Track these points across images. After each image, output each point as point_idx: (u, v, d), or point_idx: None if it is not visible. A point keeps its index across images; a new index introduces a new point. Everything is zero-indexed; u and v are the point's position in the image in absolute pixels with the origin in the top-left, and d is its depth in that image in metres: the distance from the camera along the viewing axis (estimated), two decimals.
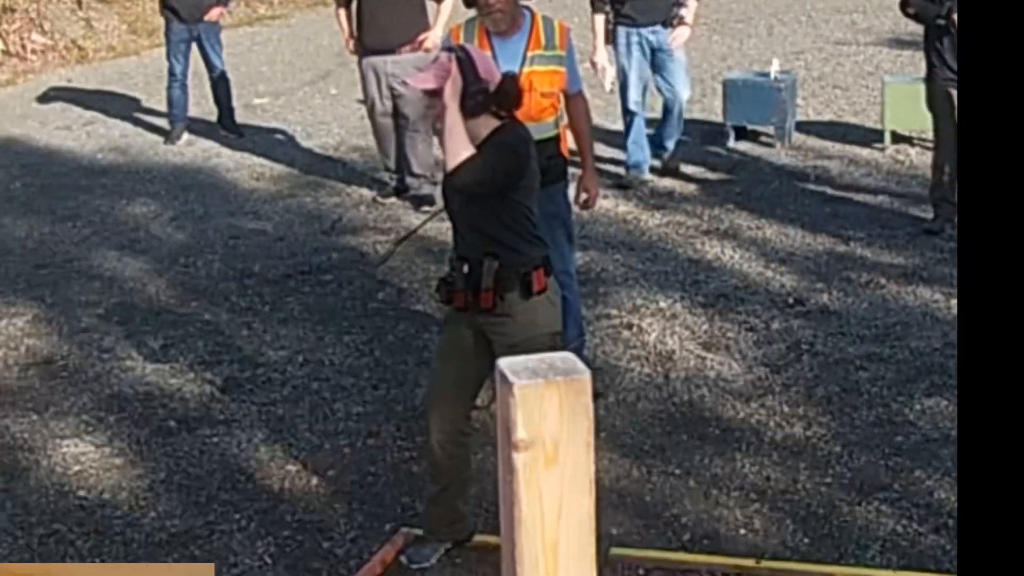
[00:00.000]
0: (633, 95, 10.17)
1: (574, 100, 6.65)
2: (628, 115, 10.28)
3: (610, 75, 10.17)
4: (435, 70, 5.02)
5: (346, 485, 6.10)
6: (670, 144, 10.47)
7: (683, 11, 10.01)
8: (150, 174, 11.20)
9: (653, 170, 10.38)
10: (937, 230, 8.82)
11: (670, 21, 9.97)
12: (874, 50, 14.56)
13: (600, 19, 10.14)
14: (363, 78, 9.99)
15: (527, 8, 6.47)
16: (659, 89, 10.35)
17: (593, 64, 10.11)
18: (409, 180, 9.96)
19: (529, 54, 6.37)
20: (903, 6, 8.91)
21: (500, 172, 4.97)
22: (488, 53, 6.12)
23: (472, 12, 6.53)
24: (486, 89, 4.98)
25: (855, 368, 7.01)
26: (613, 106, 12.71)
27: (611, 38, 10.14)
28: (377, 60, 9.76)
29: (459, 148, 4.93)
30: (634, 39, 10.03)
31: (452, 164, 4.94)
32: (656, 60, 10.09)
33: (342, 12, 10.15)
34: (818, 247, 8.77)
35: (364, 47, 9.85)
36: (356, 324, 7.85)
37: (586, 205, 6.88)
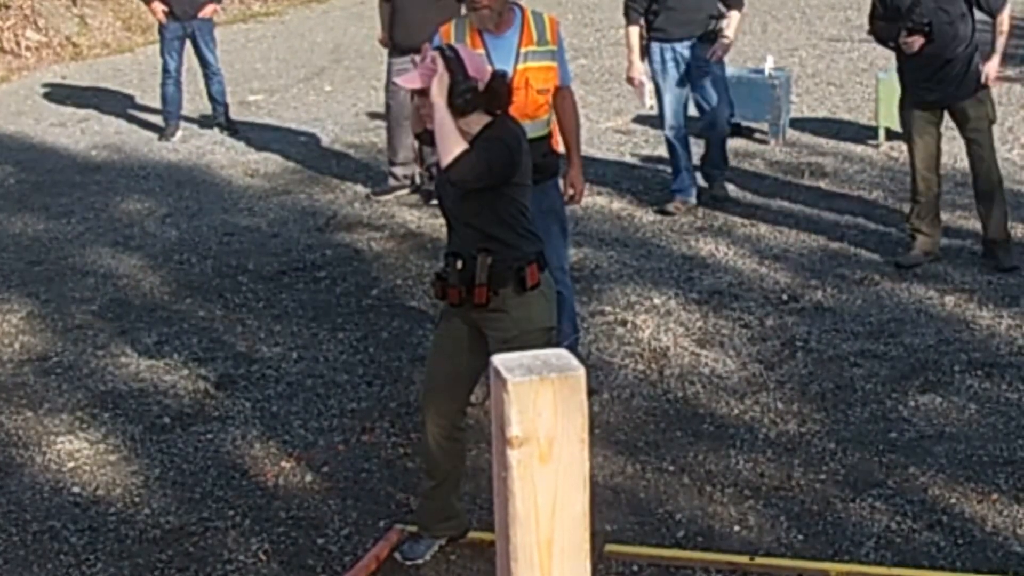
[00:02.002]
0: (669, 118, 9.45)
1: (561, 94, 6.58)
2: (668, 140, 9.59)
3: (649, 90, 9.54)
4: (422, 69, 5.03)
5: (340, 481, 6.10)
6: (714, 171, 9.73)
7: (724, 23, 9.29)
8: (144, 171, 11.20)
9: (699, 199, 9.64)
10: (907, 265, 8.24)
11: (708, 35, 9.23)
12: (868, 47, 14.54)
13: (635, 31, 9.34)
14: (389, 75, 9.94)
15: (516, 5, 6.43)
16: (699, 108, 9.53)
17: (631, 80, 9.51)
18: (419, 177, 9.97)
19: (522, 51, 6.34)
20: (870, 25, 8.45)
21: (495, 165, 4.97)
22: (481, 51, 6.11)
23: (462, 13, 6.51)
24: (475, 87, 4.97)
25: (849, 365, 7.02)
26: (608, 103, 12.74)
27: (645, 53, 9.40)
28: (403, 58, 9.72)
29: (452, 144, 4.93)
30: (668, 55, 9.28)
31: (446, 160, 4.94)
32: (691, 76, 9.35)
33: (387, 7, 10.04)
34: (812, 244, 8.78)
35: (394, 45, 9.81)
36: (350, 320, 7.85)
37: (572, 200, 6.85)
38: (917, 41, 7.92)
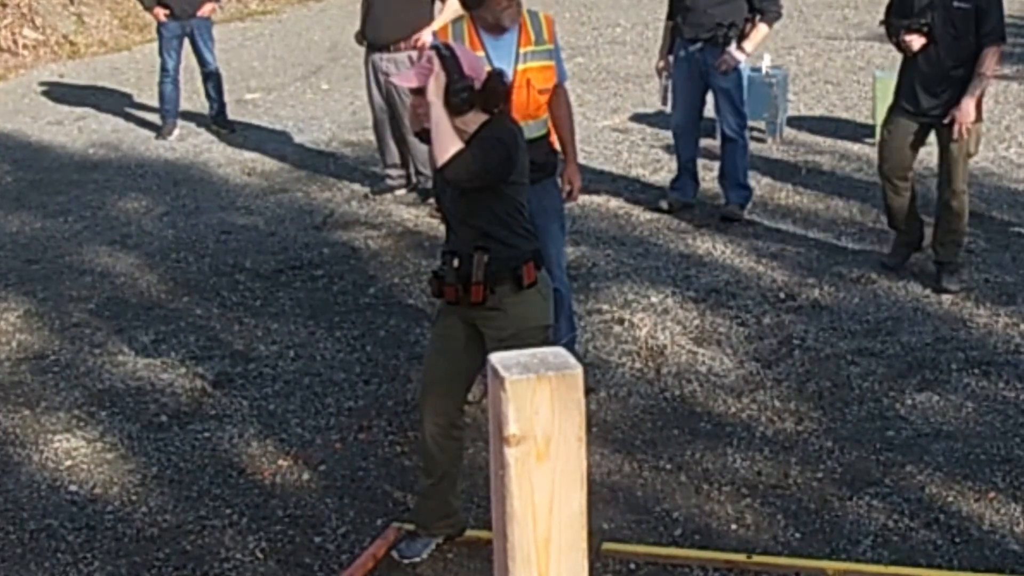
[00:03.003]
0: (675, 115, 9.38)
1: (556, 91, 6.56)
2: (674, 136, 9.55)
3: (661, 87, 9.41)
4: (418, 68, 5.04)
5: (337, 480, 6.10)
6: (728, 188, 9.33)
7: (747, 29, 8.95)
8: (142, 169, 11.19)
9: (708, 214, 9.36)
10: (892, 265, 8.19)
11: (717, 40, 8.93)
12: (865, 45, 14.58)
13: (666, 25, 9.30)
14: (365, 72, 9.98)
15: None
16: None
17: (660, 74, 9.43)
18: (414, 177, 9.97)
19: (521, 51, 6.32)
20: (885, 17, 8.14)
21: (491, 165, 4.98)
22: (481, 53, 6.11)
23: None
24: (471, 86, 4.98)
25: (846, 363, 7.03)
26: (605, 101, 12.74)
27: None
28: (375, 56, 9.76)
29: (447, 143, 4.93)
30: (681, 52, 9.09)
31: (442, 159, 4.94)
32: (708, 83, 9.16)
33: (365, 4, 10.04)
34: (809, 242, 8.78)
35: (366, 42, 9.83)
36: (347, 319, 7.85)
37: (570, 196, 6.82)
38: (916, 40, 7.70)
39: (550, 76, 6.42)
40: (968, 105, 7.65)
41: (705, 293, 7.99)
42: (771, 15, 9.09)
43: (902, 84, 7.97)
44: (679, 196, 9.50)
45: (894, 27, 7.90)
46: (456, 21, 6.43)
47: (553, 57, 6.45)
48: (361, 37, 9.94)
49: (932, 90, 7.75)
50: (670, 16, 9.28)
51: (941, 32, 7.66)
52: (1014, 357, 7.04)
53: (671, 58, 9.28)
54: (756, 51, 9.28)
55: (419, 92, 5.03)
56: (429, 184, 9.71)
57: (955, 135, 7.69)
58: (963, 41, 7.65)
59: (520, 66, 6.28)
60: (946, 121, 7.70)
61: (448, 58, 4.96)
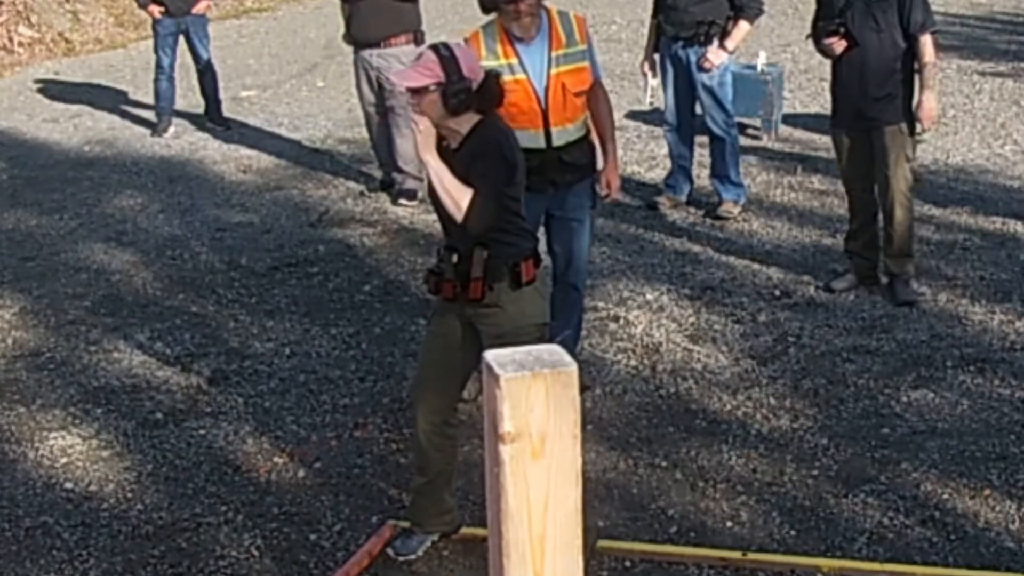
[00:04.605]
0: (668, 115, 9.36)
1: (593, 88, 6.48)
2: (666, 134, 9.55)
3: (650, 87, 9.40)
4: (416, 67, 5.04)
5: (333, 477, 6.10)
6: (719, 185, 9.33)
7: (729, 27, 8.96)
8: (137, 166, 11.18)
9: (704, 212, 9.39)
10: (839, 289, 7.83)
11: (698, 39, 8.95)
12: None
13: (651, 24, 9.30)
14: (354, 71, 9.99)
15: (542, 7, 6.30)
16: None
17: (643, 73, 9.49)
18: (394, 174, 9.95)
19: (553, 55, 6.25)
20: (812, 30, 7.80)
21: (501, 185, 5.00)
22: (514, 60, 6.12)
23: (482, 18, 6.45)
24: (469, 87, 4.98)
25: (841, 360, 7.03)
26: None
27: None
28: (363, 53, 9.75)
29: (457, 196, 4.95)
30: (666, 51, 9.13)
31: (460, 215, 4.94)
32: (693, 82, 9.15)
33: (345, 6, 10.05)
34: (804, 239, 8.79)
35: (352, 40, 9.83)
36: (343, 316, 7.85)
37: (608, 195, 6.67)
38: (838, 44, 7.46)
39: (585, 78, 6.35)
40: (930, 99, 7.44)
41: (700, 290, 7.99)
42: (751, 11, 9.07)
43: (835, 94, 7.73)
44: (673, 194, 9.52)
45: (817, 33, 7.65)
46: (487, 26, 6.36)
47: (586, 57, 6.39)
48: (348, 38, 9.93)
49: (864, 94, 7.48)
50: (654, 15, 9.28)
51: (861, 29, 7.42)
52: (1009, 354, 7.04)
53: (656, 57, 9.30)
54: (737, 48, 9.29)
55: (417, 92, 5.03)
56: (408, 183, 9.73)
57: (923, 128, 7.58)
58: (887, 36, 7.41)
59: (553, 70, 6.24)
60: (917, 120, 7.48)
61: (447, 58, 4.97)
